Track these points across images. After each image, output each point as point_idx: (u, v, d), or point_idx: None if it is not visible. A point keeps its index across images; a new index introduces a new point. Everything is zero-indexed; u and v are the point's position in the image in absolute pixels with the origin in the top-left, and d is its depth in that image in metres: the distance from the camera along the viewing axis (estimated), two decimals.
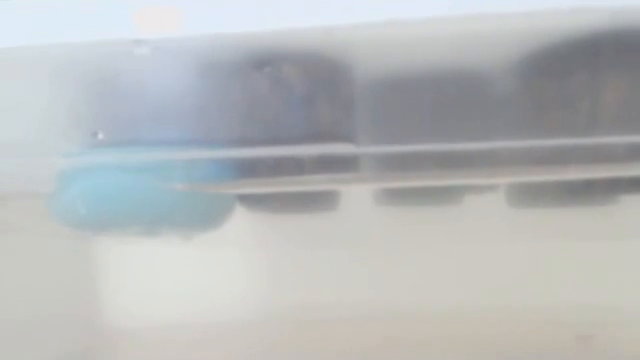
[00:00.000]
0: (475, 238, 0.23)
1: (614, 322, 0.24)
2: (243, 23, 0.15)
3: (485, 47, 0.15)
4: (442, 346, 0.24)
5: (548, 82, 0.15)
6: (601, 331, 0.24)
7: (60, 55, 0.16)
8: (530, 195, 0.19)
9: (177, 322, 0.26)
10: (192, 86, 0.16)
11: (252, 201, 0.19)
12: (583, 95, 0.15)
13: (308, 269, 0.26)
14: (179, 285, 0.26)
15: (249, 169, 0.16)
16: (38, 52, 0.16)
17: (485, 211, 0.20)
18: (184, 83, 0.16)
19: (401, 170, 0.16)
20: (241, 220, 0.20)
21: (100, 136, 0.16)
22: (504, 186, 0.19)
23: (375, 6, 0.14)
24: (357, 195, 0.20)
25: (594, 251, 0.24)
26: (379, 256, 0.25)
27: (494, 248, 0.24)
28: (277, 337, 0.26)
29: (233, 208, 0.19)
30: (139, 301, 0.27)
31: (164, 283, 0.27)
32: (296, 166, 0.16)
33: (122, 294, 0.27)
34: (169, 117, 0.16)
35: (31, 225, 0.21)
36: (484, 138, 0.15)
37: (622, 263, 0.24)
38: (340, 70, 0.15)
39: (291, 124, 0.16)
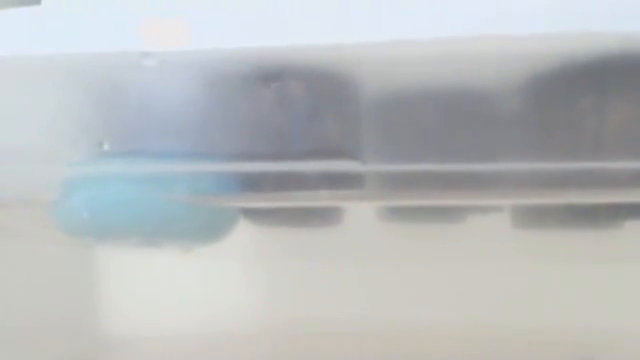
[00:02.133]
0: (478, 257, 0.22)
1: (616, 345, 0.24)
2: (251, 38, 0.15)
3: (494, 69, 0.15)
4: None
5: (555, 105, 0.15)
6: (603, 354, 0.24)
7: (68, 65, 0.16)
8: (534, 217, 0.19)
9: (176, 332, 0.26)
10: (198, 99, 0.16)
11: (255, 214, 0.19)
12: (589, 119, 0.15)
13: (309, 283, 0.26)
14: (179, 296, 0.26)
15: (253, 183, 0.16)
16: (47, 61, 0.16)
17: (489, 231, 0.20)
18: (190, 96, 0.16)
19: (406, 188, 0.16)
20: (243, 233, 0.20)
21: (105, 146, 0.16)
22: (509, 207, 0.19)
23: (383, 25, 0.14)
24: (360, 211, 0.20)
25: (597, 274, 0.23)
26: (381, 272, 0.25)
27: (497, 268, 0.24)
28: (277, 350, 0.25)
29: (236, 221, 0.19)
30: (138, 310, 0.27)
31: (164, 293, 0.27)
32: (300, 182, 0.16)
33: (121, 303, 0.27)
34: (175, 129, 0.16)
35: (33, 232, 0.21)
36: (490, 159, 0.15)
37: (625, 286, 0.24)
38: (347, 87, 0.15)
39: (297, 140, 0.16)
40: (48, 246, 0.23)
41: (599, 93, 0.15)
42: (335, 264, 0.25)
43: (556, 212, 0.18)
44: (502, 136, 0.15)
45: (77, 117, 0.16)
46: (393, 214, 0.20)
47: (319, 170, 0.16)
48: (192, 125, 0.16)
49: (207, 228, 0.18)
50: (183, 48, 0.15)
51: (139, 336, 0.27)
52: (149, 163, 0.16)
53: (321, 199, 0.16)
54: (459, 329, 0.24)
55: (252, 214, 0.19)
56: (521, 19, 0.14)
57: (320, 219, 0.20)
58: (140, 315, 0.27)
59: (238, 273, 0.27)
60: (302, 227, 0.21)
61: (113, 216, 0.17)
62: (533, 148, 0.15)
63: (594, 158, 0.15)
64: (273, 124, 0.16)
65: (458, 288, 0.24)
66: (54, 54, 0.16)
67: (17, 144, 0.17)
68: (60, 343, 0.25)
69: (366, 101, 0.15)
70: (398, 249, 0.22)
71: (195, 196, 0.17)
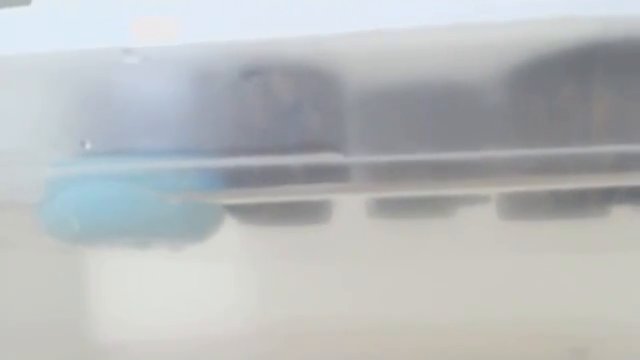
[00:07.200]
0: (467, 251, 0.22)
1: (610, 335, 0.24)
2: (232, 32, 0.15)
3: (476, 57, 0.15)
4: None
5: (539, 92, 0.15)
6: (597, 344, 0.24)
7: (49, 64, 0.16)
8: (521, 207, 0.19)
9: (168, 336, 0.26)
10: (181, 95, 0.16)
11: (242, 213, 0.19)
12: (574, 105, 0.15)
13: (299, 282, 0.26)
14: (170, 299, 0.26)
15: (238, 179, 0.16)
16: (27, 61, 0.16)
17: (476, 224, 0.20)
18: (173, 92, 0.16)
19: (390, 180, 0.16)
20: (232, 233, 0.19)
21: (87, 145, 0.16)
22: (495, 198, 0.18)
23: (364, 16, 0.14)
24: (349, 208, 0.20)
25: (587, 264, 0.23)
26: (371, 269, 0.25)
27: (486, 261, 0.23)
28: (268, 351, 0.25)
29: (222, 219, 0.18)
30: (130, 314, 0.27)
31: (155, 297, 0.26)
32: (285, 176, 0.16)
33: (113, 307, 0.27)
34: (158, 127, 0.16)
35: (19, 237, 0.21)
36: (474, 148, 0.15)
37: (616, 275, 0.24)
38: (329, 80, 0.15)
39: (280, 134, 0.16)
40: (35, 250, 0.23)
41: (582, 79, 0.15)
42: (325, 262, 0.24)
43: (543, 202, 0.18)
44: (486, 125, 0.15)
45: (58, 116, 0.16)
46: (382, 210, 0.20)
47: (303, 163, 0.16)
48: (175, 122, 0.16)
49: (193, 226, 0.18)
50: (165, 44, 0.15)
51: (131, 340, 0.27)
52: (132, 161, 0.16)
53: (306, 193, 0.16)
54: (451, 324, 0.24)
55: (240, 213, 0.19)
56: (502, 6, 0.14)
57: (309, 217, 0.20)
58: (132, 319, 0.27)
59: (229, 275, 0.26)
60: (291, 225, 0.20)
61: (98, 217, 0.17)
62: (518, 136, 0.15)
63: (580, 144, 0.15)
64: (256, 118, 0.15)
65: (449, 282, 0.24)
66: (34, 53, 0.16)
67: None
68: (52, 348, 0.25)
69: (348, 93, 0.15)
70: (388, 246, 0.22)
71: (180, 193, 0.17)
